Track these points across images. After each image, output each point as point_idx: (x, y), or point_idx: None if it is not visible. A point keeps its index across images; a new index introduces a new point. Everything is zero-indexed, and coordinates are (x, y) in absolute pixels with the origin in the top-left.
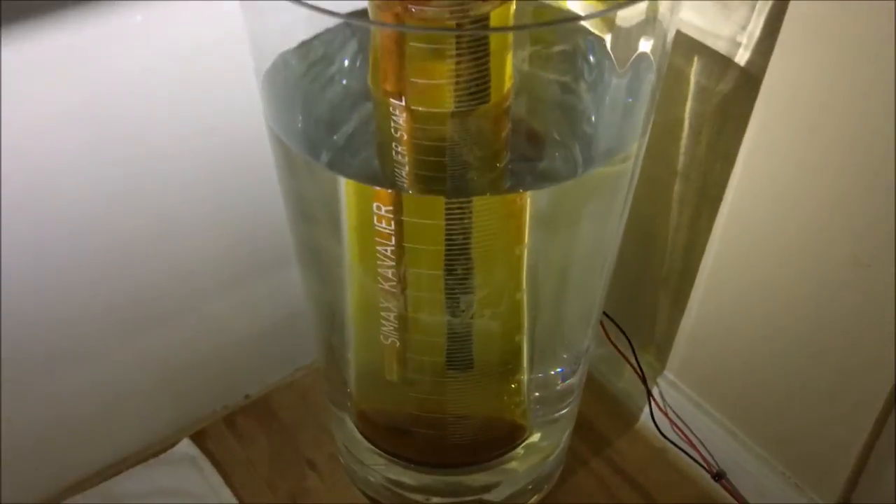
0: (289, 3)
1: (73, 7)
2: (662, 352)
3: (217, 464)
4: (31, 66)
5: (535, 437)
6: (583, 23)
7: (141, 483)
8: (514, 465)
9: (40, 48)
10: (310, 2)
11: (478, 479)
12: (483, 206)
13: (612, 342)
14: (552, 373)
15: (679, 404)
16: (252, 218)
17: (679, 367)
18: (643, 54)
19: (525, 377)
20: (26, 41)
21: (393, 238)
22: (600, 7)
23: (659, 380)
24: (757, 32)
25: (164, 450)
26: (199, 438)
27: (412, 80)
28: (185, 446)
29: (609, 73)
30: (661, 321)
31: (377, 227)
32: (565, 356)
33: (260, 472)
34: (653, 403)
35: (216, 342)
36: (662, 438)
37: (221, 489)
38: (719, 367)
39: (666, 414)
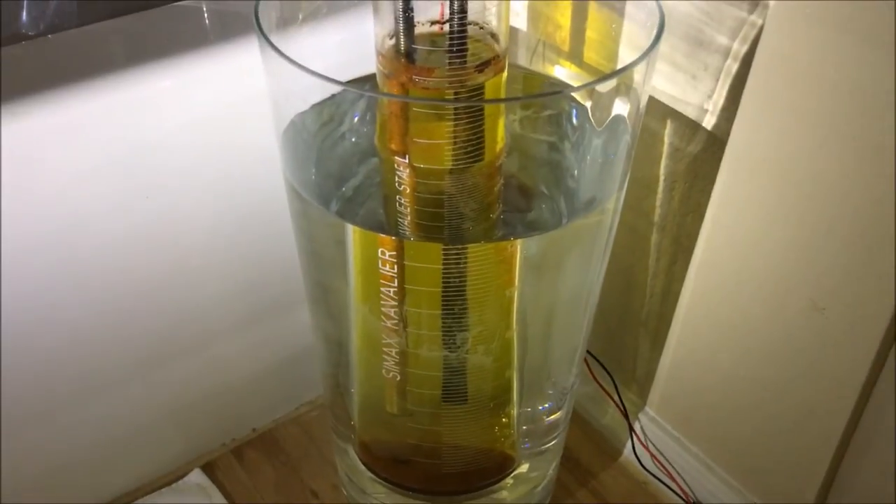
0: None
1: (109, 73)
2: (643, 389)
3: (226, 493)
4: (72, 127)
5: (524, 468)
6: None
7: None
8: (504, 494)
9: (80, 110)
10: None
11: None
12: (477, 253)
13: (596, 380)
14: (540, 408)
15: (659, 439)
16: (264, 264)
17: (659, 404)
18: (619, 117)
19: (515, 411)
20: (67, 104)
21: (395, 280)
22: (584, 74)
23: (640, 416)
24: (721, 101)
25: (176, 479)
26: (208, 469)
27: (415, 140)
28: (196, 476)
29: (590, 134)
30: (642, 361)
31: (381, 270)
32: (552, 392)
33: (266, 501)
34: (635, 438)
35: (226, 379)
36: (644, 471)
37: None
38: (695, 404)
39: (647, 448)
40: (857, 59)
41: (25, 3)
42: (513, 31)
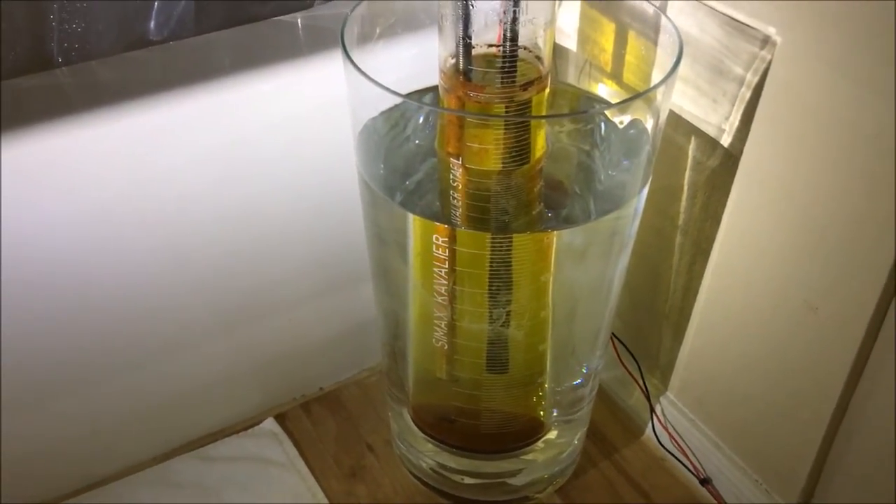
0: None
1: (218, 77)
2: (665, 375)
3: (294, 440)
4: (185, 121)
5: (553, 435)
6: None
7: (233, 450)
8: (534, 456)
9: (192, 108)
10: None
11: (504, 465)
12: (519, 242)
13: (624, 366)
14: (568, 382)
15: (677, 420)
16: (336, 244)
17: (678, 389)
18: (642, 129)
19: (547, 382)
20: (182, 102)
21: (447, 262)
22: (622, 92)
23: (661, 399)
24: (736, 123)
25: (253, 425)
26: (280, 419)
27: (468, 144)
28: (269, 424)
29: (616, 144)
30: (665, 350)
31: (435, 254)
32: (579, 368)
33: (328, 450)
34: (655, 419)
35: (299, 343)
36: (662, 449)
37: (297, 460)
38: (709, 390)
39: (666, 428)
40: (848, 94)
41: (154, 11)
42: (563, 52)
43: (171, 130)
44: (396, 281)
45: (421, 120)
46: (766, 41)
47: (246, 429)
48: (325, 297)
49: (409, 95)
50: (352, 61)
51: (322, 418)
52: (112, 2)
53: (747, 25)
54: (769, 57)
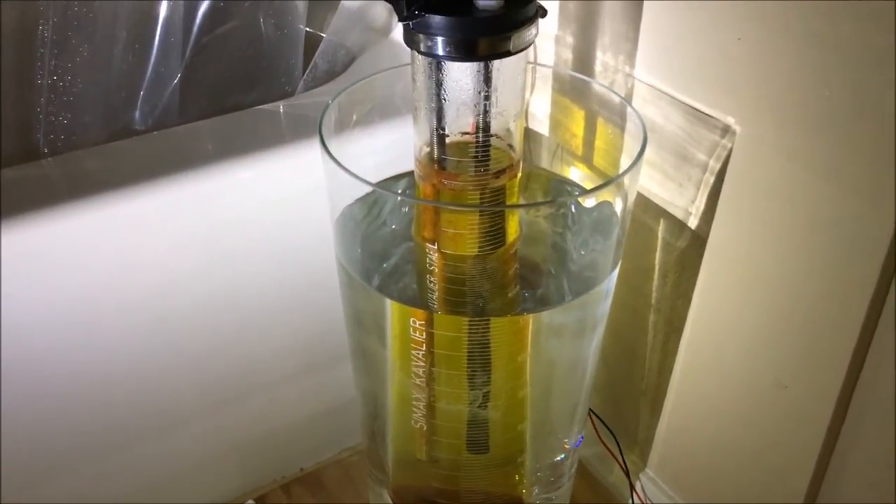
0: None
1: (204, 166)
2: (644, 452)
3: None
4: (168, 208)
5: None
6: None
7: None
8: None
9: (176, 195)
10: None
11: None
12: (495, 324)
13: (603, 443)
14: (548, 460)
15: (656, 497)
16: (315, 326)
17: (657, 466)
18: (612, 212)
19: (527, 461)
20: (166, 189)
21: (424, 345)
22: (594, 176)
23: (642, 476)
24: (702, 206)
25: None
26: (260, 501)
27: (444, 230)
28: None
29: (587, 226)
30: (643, 426)
31: (412, 336)
32: (558, 446)
33: None
34: (635, 496)
35: (279, 423)
36: None
37: None
38: (687, 466)
39: None
40: (806, 181)
41: (140, 101)
42: (537, 136)
43: (156, 218)
44: (375, 362)
45: (396, 205)
46: (726, 130)
47: None
48: (306, 378)
49: (383, 182)
50: (327, 150)
51: (302, 500)
52: (98, 94)
53: (707, 115)
54: (730, 145)
